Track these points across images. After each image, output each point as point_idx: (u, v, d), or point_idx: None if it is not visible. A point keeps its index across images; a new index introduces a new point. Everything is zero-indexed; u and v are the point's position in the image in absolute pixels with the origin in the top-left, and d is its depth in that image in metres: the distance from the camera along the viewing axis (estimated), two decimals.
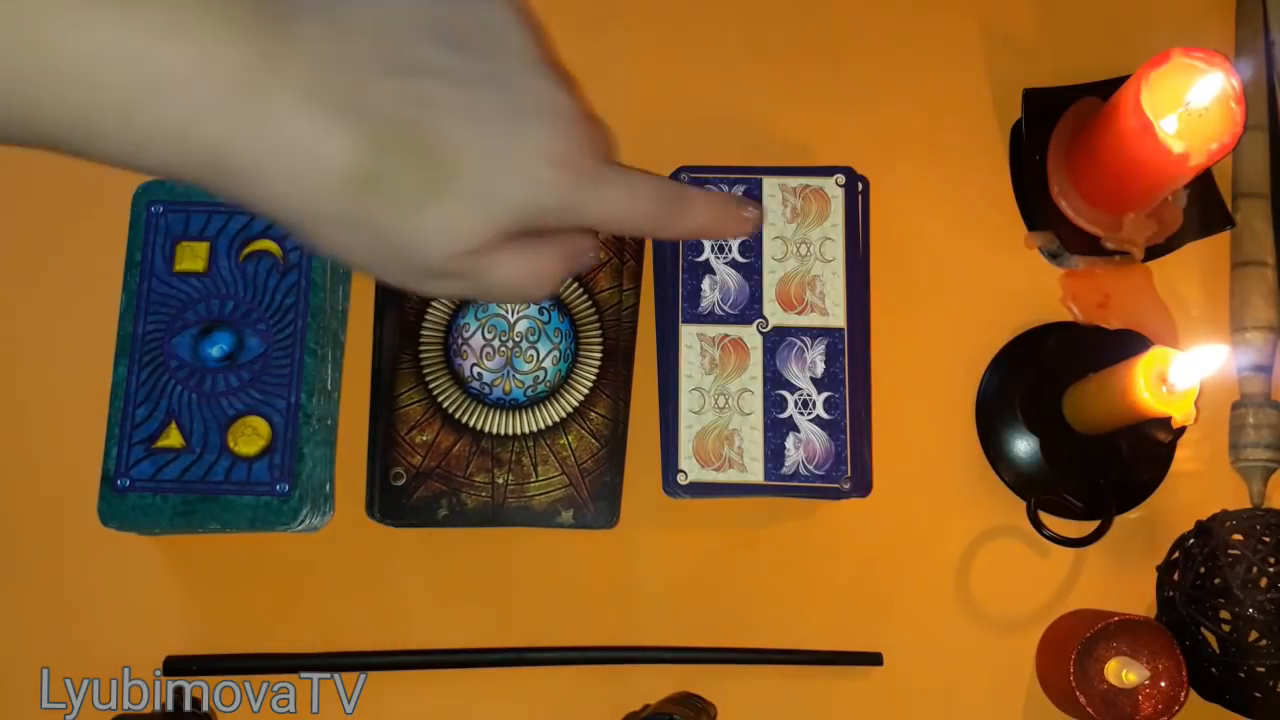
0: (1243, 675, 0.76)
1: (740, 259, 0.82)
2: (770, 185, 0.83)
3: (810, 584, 0.83)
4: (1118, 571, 0.83)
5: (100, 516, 0.76)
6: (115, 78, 0.46)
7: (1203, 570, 0.77)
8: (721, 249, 0.82)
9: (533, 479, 0.80)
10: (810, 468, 0.79)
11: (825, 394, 0.80)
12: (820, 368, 0.80)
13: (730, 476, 0.79)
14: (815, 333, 0.80)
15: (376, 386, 0.82)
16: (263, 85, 0.49)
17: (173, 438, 0.77)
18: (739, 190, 0.83)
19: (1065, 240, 0.86)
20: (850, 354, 0.80)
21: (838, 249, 0.82)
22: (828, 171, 0.83)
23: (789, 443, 0.79)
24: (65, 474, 0.81)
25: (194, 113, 0.48)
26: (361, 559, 0.82)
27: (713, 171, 0.83)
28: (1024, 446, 0.84)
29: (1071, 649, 0.76)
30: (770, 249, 0.82)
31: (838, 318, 0.81)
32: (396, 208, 0.53)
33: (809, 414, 0.79)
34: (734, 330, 0.81)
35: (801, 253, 0.81)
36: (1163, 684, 0.76)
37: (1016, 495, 0.83)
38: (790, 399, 0.80)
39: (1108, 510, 0.81)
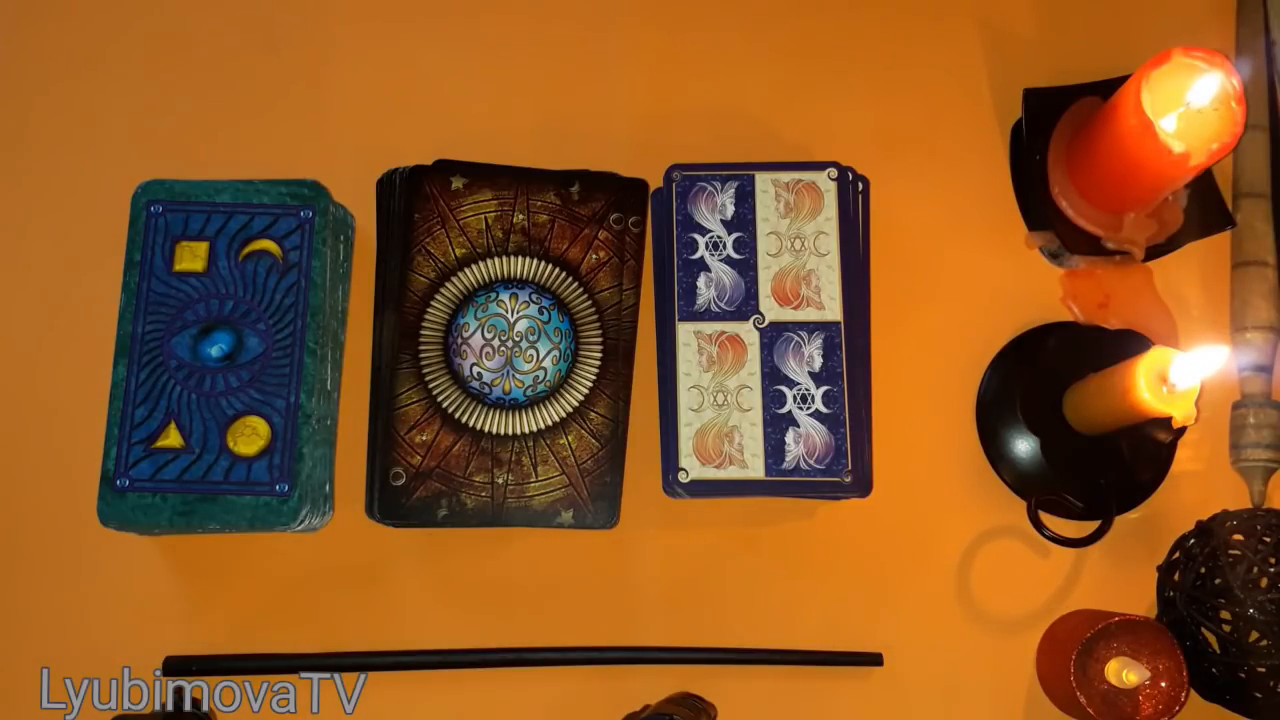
0: (1243, 675, 0.76)
1: (735, 255, 0.82)
2: (763, 181, 0.83)
3: (810, 584, 0.83)
4: (1118, 571, 0.83)
5: (100, 516, 0.76)
6: None
7: (1203, 570, 0.77)
8: (716, 245, 0.82)
9: (533, 479, 0.80)
10: (811, 462, 0.79)
11: (824, 388, 0.80)
12: (818, 362, 0.80)
13: (731, 473, 0.79)
14: (812, 327, 0.81)
15: (376, 386, 0.82)
16: None
17: (172, 438, 0.77)
18: (731, 188, 0.83)
19: (1065, 240, 0.85)
20: (848, 347, 0.81)
21: (832, 243, 0.82)
22: (819, 166, 0.83)
23: (789, 438, 0.79)
24: (65, 474, 0.81)
25: None
26: (361, 559, 0.82)
27: (704, 169, 0.83)
28: (1024, 446, 0.83)
29: (1072, 649, 0.76)
30: (765, 244, 0.82)
31: (834, 311, 0.81)
32: None
33: (808, 408, 0.80)
34: (731, 327, 0.81)
35: (796, 247, 0.81)
36: (1163, 684, 0.76)
37: (1016, 495, 0.83)
38: (789, 394, 0.80)
39: (1108, 510, 0.80)
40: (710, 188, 0.83)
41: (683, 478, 0.79)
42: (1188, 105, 0.76)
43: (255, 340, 0.79)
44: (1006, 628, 0.83)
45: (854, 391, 0.80)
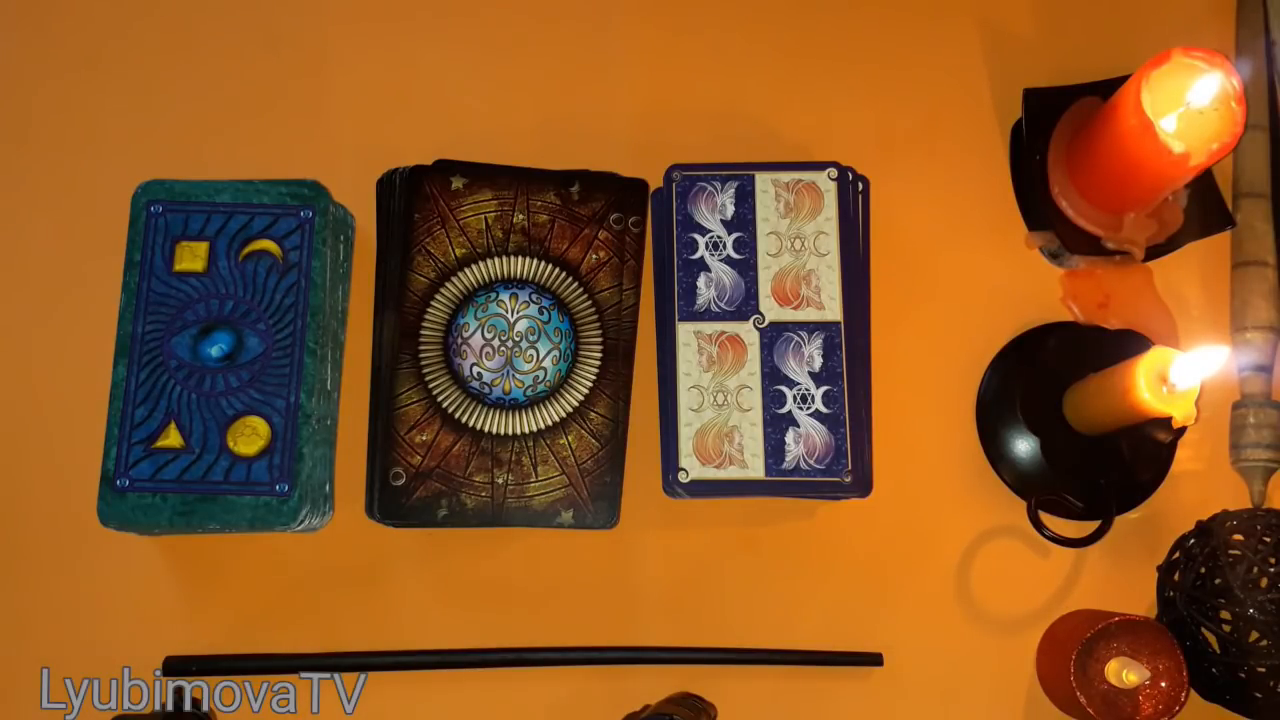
0: (1243, 675, 0.76)
1: (735, 255, 0.82)
2: (763, 181, 0.83)
3: (810, 584, 0.83)
4: (1118, 571, 0.83)
5: (100, 516, 0.76)
6: None
7: (1203, 570, 0.77)
8: (716, 245, 0.82)
9: (533, 479, 0.80)
10: (811, 462, 0.79)
11: (824, 388, 0.80)
12: (818, 362, 0.80)
13: (731, 473, 0.79)
14: (812, 327, 0.81)
15: (376, 386, 0.82)
16: None
17: (172, 438, 0.77)
18: (731, 188, 0.83)
19: (1065, 240, 0.86)
20: (848, 347, 0.81)
21: (832, 243, 0.82)
22: (819, 166, 0.83)
23: (789, 438, 0.79)
24: (65, 474, 0.81)
25: None
26: (361, 559, 0.82)
27: (704, 169, 0.83)
28: (1024, 446, 0.83)
29: (1072, 649, 0.76)
30: (765, 244, 0.82)
31: (834, 311, 0.81)
32: None
33: (808, 408, 0.80)
34: (731, 327, 0.81)
35: (796, 247, 0.81)
36: (1163, 684, 0.76)
37: (1016, 495, 0.83)
38: (789, 394, 0.80)
39: (1108, 510, 0.80)
40: (710, 188, 0.83)
41: (683, 478, 0.79)
42: (1188, 105, 0.76)
43: (255, 340, 0.79)
44: (1006, 628, 0.83)
45: (854, 391, 0.80)
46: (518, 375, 0.81)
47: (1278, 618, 0.74)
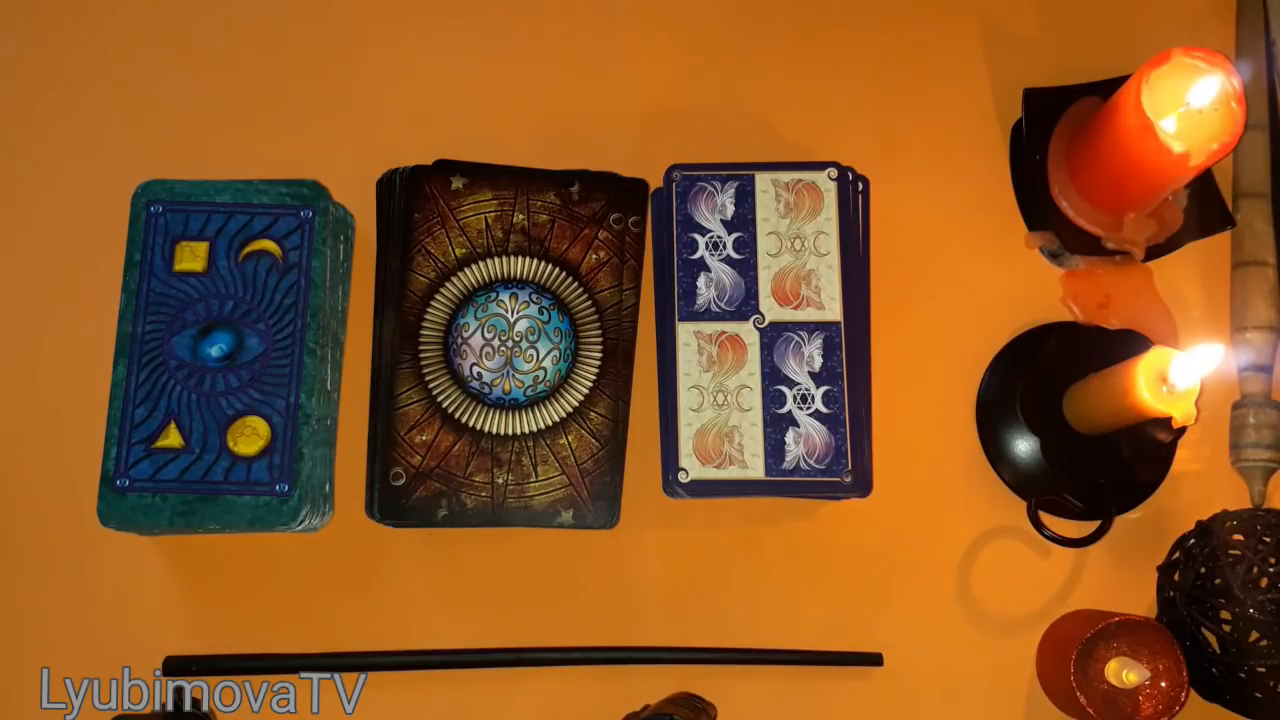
0: (1243, 675, 0.76)
1: (735, 255, 0.82)
2: (763, 181, 0.83)
3: (810, 584, 0.83)
4: (1118, 571, 0.83)
5: (100, 516, 0.76)
6: None
7: (1203, 570, 0.77)
8: (716, 245, 0.82)
9: (533, 479, 0.80)
10: (811, 462, 0.79)
11: (824, 388, 0.80)
12: (818, 362, 0.80)
13: (731, 473, 0.79)
14: (812, 327, 0.81)
15: (376, 386, 0.82)
16: None
17: (172, 438, 0.77)
18: (731, 188, 0.83)
19: (1065, 240, 0.86)
20: (848, 347, 0.81)
21: (832, 242, 0.82)
22: (820, 166, 0.83)
23: (789, 438, 0.79)
24: (65, 474, 0.81)
25: None
26: (361, 559, 0.82)
27: (704, 169, 0.83)
28: (1024, 446, 0.83)
29: (1072, 649, 0.76)
30: (765, 244, 0.82)
31: (834, 311, 0.81)
32: None
33: (808, 408, 0.80)
34: (731, 327, 0.81)
35: (796, 247, 0.81)
36: (1163, 684, 0.76)
37: (1016, 495, 0.83)
38: (789, 394, 0.80)
39: (1108, 510, 0.80)
40: (710, 188, 0.83)
41: (683, 478, 0.79)
42: (1188, 105, 0.76)
43: (255, 340, 0.79)
44: (1006, 628, 0.83)
45: (854, 391, 0.80)
46: (518, 375, 0.81)
47: (1278, 618, 0.74)
